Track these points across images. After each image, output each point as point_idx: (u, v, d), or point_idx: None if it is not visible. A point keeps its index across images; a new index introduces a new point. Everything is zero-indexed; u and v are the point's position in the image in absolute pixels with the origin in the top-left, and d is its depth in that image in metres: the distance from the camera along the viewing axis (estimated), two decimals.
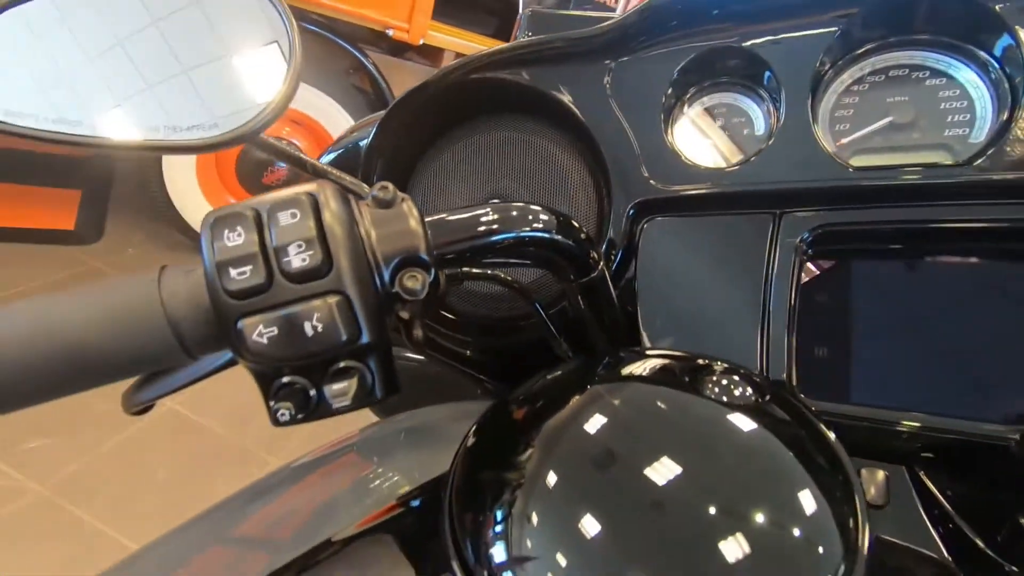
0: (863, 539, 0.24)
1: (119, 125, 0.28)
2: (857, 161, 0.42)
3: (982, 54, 0.40)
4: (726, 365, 0.30)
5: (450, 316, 0.49)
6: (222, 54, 0.30)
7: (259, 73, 0.30)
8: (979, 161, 0.38)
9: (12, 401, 0.27)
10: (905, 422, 0.37)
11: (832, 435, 0.29)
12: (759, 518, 0.23)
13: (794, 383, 0.40)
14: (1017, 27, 0.38)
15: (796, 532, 0.23)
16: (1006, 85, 0.39)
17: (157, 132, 0.27)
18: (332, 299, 0.25)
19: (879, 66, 0.44)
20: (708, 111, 0.47)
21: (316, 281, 0.25)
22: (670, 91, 0.46)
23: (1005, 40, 0.39)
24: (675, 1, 0.44)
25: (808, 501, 0.24)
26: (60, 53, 0.30)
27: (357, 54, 2.32)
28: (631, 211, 0.45)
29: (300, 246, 0.25)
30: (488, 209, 0.32)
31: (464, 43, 2.43)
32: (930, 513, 0.36)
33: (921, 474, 0.38)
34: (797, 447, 0.26)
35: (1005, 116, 0.39)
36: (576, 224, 0.34)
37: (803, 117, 0.42)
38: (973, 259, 0.40)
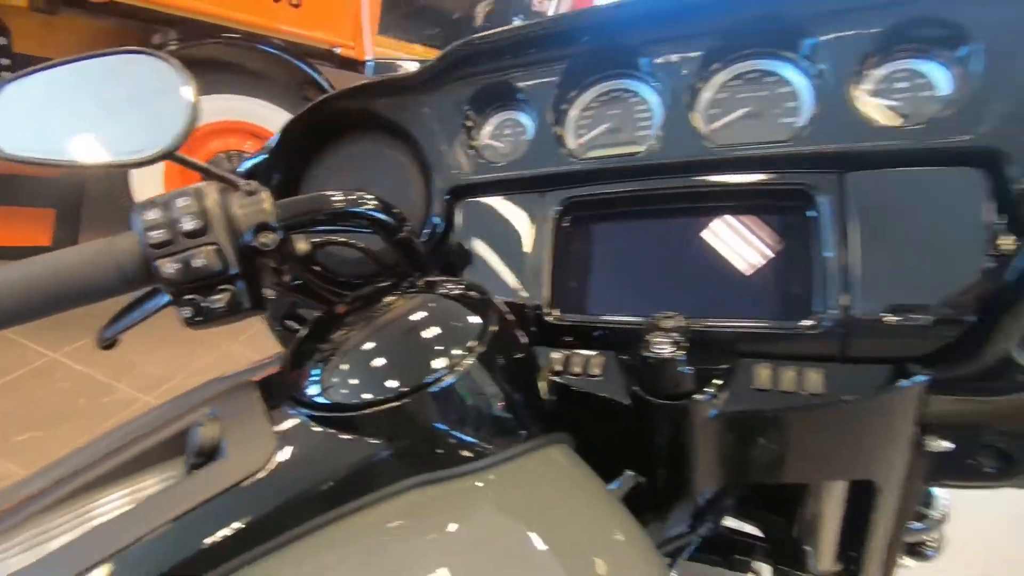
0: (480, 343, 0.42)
1: (90, 152, 0.47)
2: (590, 153, 0.61)
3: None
4: (466, 284, 0.48)
5: (327, 274, 0.68)
6: (152, 100, 0.50)
7: (173, 111, 0.49)
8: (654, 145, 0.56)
9: (10, 318, 0.43)
10: (613, 322, 0.54)
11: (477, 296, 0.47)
12: (424, 334, 0.43)
13: (551, 302, 0.57)
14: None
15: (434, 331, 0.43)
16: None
17: (114, 155, 0.47)
18: (210, 247, 0.44)
19: (604, 90, 0.62)
20: (499, 124, 0.67)
21: (200, 237, 0.44)
22: (469, 111, 0.66)
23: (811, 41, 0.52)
24: (461, 52, 0.64)
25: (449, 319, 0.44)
26: (53, 108, 0.50)
27: (309, 71, 2.51)
28: (447, 196, 0.65)
29: (189, 217, 0.44)
30: (322, 194, 0.52)
31: (411, 57, 2.64)
32: (626, 378, 0.52)
33: (622, 357, 0.54)
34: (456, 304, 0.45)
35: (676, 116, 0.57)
36: (385, 202, 0.54)
37: (551, 127, 0.62)
38: (664, 218, 0.56)
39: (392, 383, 0.40)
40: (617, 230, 0.58)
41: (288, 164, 0.72)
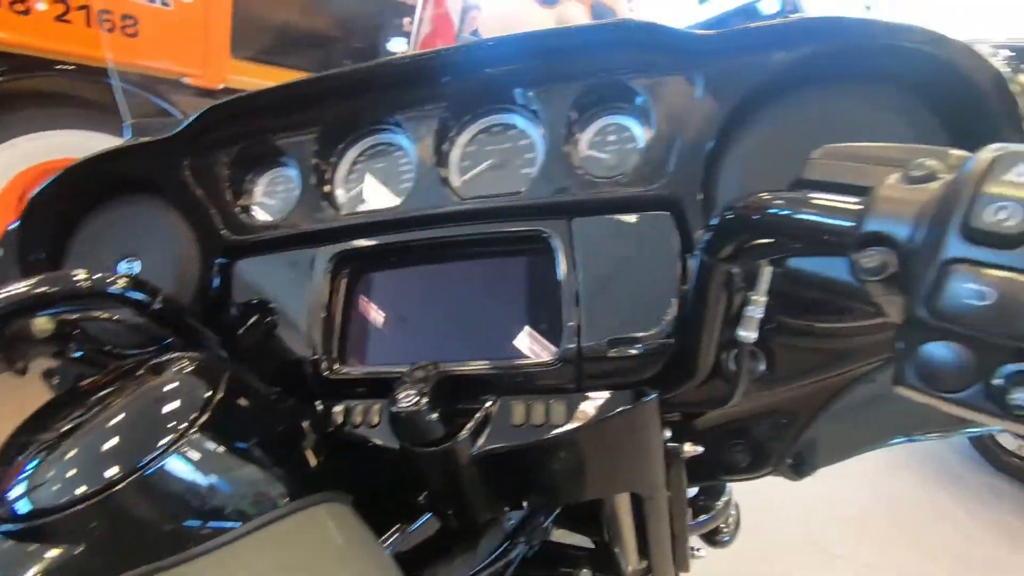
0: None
1: None
2: (357, 208, 0.62)
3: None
4: (197, 356, 0.46)
5: (96, 344, 0.63)
6: None
7: None
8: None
9: None
10: (385, 372, 0.54)
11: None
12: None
13: (334, 356, 0.58)
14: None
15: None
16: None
17: None
18: None
19: (366, 145, 0.64)
20: (268, 182, 0.67)
21: None
22: (234, 170, 0.65)
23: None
24: (218, 112, 0.63)
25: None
26: None
27: (159, 101, 2.35)
28: (220, 259, 0.63)
29: None
30: (57, 275, 0.48)
31: (269, 83, 2.51)
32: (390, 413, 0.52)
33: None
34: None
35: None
36: (135, 279, 0.52)
37: (317, 184, 0.62)
38: (427, 268, 0.58)
39: (103, 473, 0.37)
40: (386, 281, 0.60)
41: (46, 235, 0.67)
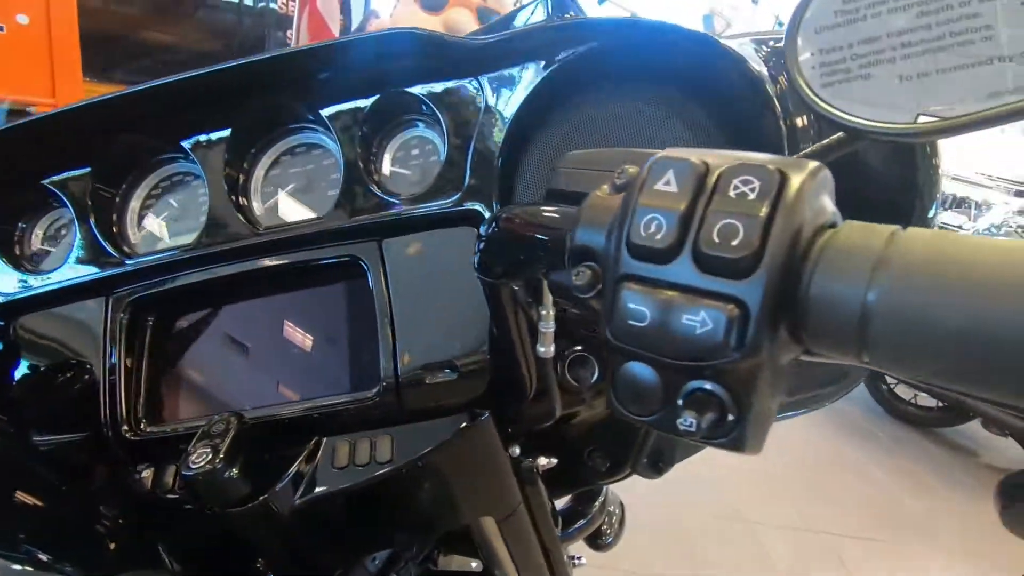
0: None
1: None
2: (148, 249, 0.55)
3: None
4: None
5: None
6: None
7: None
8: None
9: None
10: (196, 427, 0.48)
11: None
12: None
13: (139, 415, 0.52)
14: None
15: None
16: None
17: None
18: None
19: (160, 178, 0.58)
20: (45, 228, 0.59)
21: None
22: (2, 220, 0.58)
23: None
24: None
25: None
26: None
27: None
28: None
29: None
30: None
31: None
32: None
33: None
34: None
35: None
36: None
37: (100, 230, 0.55)
38: (234, 307, 0.53)
39: None
40: (188, 326, 0.54)
41: None
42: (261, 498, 0.45)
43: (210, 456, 0.43)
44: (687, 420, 0.22)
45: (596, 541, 0.84)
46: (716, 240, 0.22)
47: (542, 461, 0.59)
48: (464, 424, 0.47)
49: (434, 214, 0.50)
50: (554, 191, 0.33)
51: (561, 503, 0.80)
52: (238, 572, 0.53)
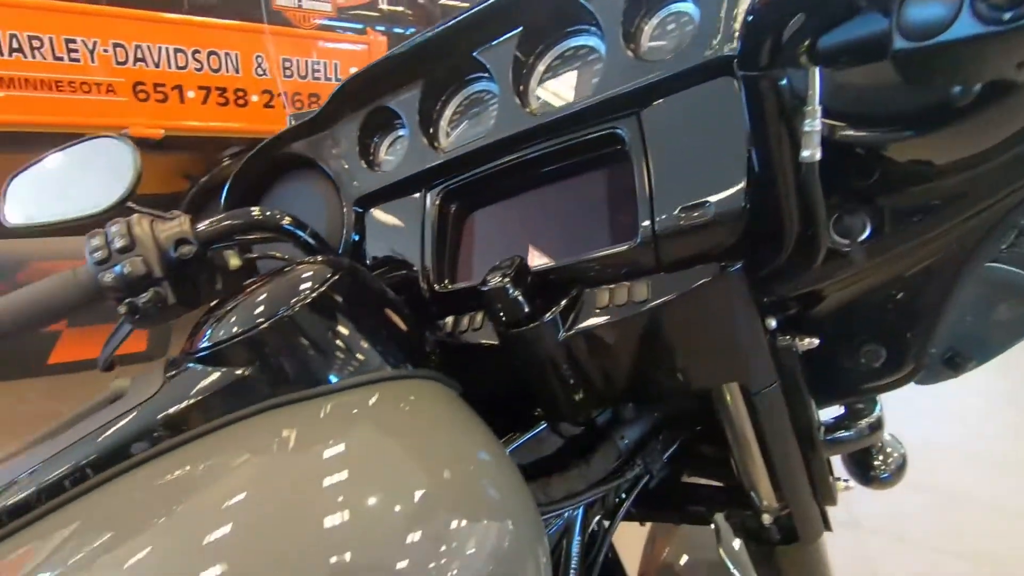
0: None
1: (74, 210, 0.63)
2: (455, 148, 0.67)
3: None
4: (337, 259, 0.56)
5: None
6: (111, 168, 0.65)
7: (124, 174, 0.65)
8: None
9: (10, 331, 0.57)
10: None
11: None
12: None
13: (443, 275, 0.65)
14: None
15: None
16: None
17: (90, 209, 0.62)
18: (136, 259, 0.57)
19: (463, 96, 0.75)
20: (391, 141, 0.81)
21: (128, 253, 0.55)
22: (363, 135, 0.80)
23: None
24: (346, 87, 0.78)
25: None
26: (46, 186, 0.65)
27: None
28: (355, 209, 0.78)
29: (119, 239, 0.57)
30: (239, 211, 0.65)
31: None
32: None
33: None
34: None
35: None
36: (298, 220, 0.67)
37: (423, 134, 0.76)
38: (518, 186, 0.63)
39: (251, 319, 0.49)
40: (481, 206, 0.68)
41: (239, 204, 0.84)
42: (534, 324, 0.52)
43: (500, 278, 0.52)
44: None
45: (867, 473, 0.74)
46: None
47: (803, 342, 0.55)
48: (718, 272, 0.48)
49: (689, 73, 0.52)
50: None
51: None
52: (510, 412, 0.61)
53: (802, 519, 0.65)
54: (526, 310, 0.52)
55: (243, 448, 0.43)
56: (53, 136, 2.46)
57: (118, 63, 2.65)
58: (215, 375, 0.49)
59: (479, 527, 0.43)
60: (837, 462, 0.74)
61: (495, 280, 0.52)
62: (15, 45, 2.43)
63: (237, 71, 2.92)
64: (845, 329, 0.57)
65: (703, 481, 0.75)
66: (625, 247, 0.52)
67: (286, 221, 0.67)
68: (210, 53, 2.86)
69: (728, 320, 0.51)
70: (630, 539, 0.95)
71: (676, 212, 0.50)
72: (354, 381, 0.49)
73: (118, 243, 0.57)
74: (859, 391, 0.60)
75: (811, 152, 0.41)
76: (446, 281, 0.66)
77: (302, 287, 0.51)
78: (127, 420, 0.47)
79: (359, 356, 0.52)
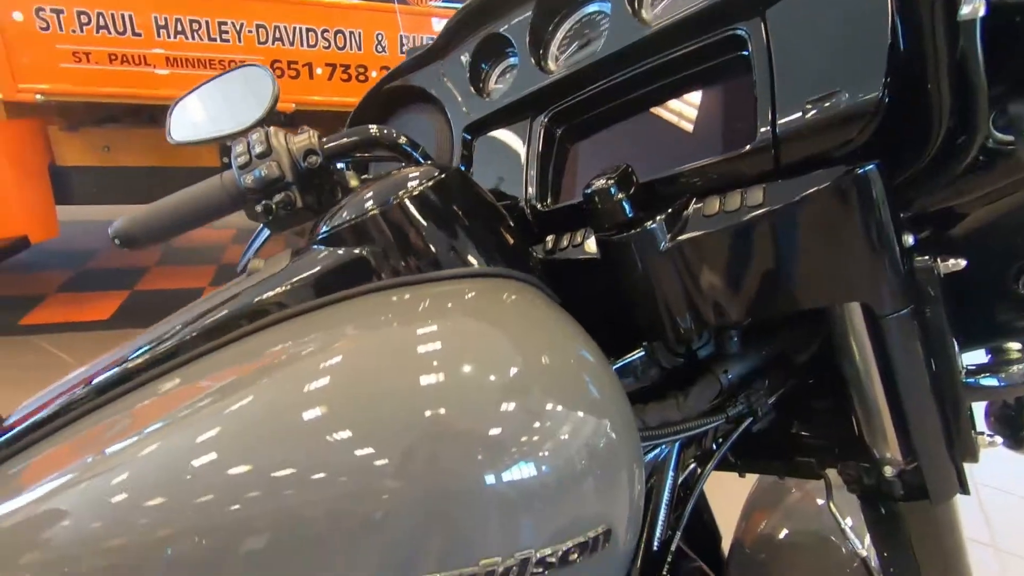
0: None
1: (224, 127, 0.72)
2: (564, 69, 0.68)
3: None
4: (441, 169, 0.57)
5: None
6: (253, 92, 0.74)
7: (264, 95, 0.73)
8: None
9: (161, 234, 0.67)
10: None
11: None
12: None
13: (547, 194, 0.70)
14: None
15: None
16: None
17: (235, 127, 0.71)
18: (272, 163, 0.63)
19: (575, 19, 0.75)
20: (501, 70, 0.83)
21: (266, 158, 0.63)
22: (474, 63, 0.82)
23: None
24: (457, 18, 0.82)
25: None
26: (201, 109, 0.75)
27: None
28: (465, 136, 0.81)
29: (259, 145, 0.63)
30: (359, 128, 0.69)
31: None
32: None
33: None
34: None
35: None
36: (413, 140, 0.71)
37: (534, 59, 0.75)
38: (628, 100, 0.62)
39: (364, 207, 0.53)
40: (591, 127, 0.68)
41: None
42: (637, 229, 0.50)
43: (604, 181, 0.51)
44: None
45: (1018, 433, 0.62)
46: None
47: (945, 263, 0.48)
48: (845, 173, 0.42)
49: None
50: None
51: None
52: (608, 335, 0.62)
53: (933, 475, 0.56)
54: (629, 214, 0.51)
55: (351, 320, 0.46)
56: None
57: (259, 43, 2.95)
58: (331, 255, 0.53)
59: (576, 416, 0.42)
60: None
61: (599, 182, 0.51)
62: (179, 28, 2.78)
63: (360, 48, 3.12)
64: (999, 251, 0.50)
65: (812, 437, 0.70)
66: (740, 152, 0.48)
67: (401, 140, 0.70)
68: (336, 32, 3.09)
69: (856, 228, 0.44)
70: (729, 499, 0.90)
71: (801, 107, 0.44)
72: (460, 272, 0.51)
73: (257, 149, 0.64)
74: (1013, 329, 0.53)
75: (972, 7, 0.35)
76: (548, 200, 0.67)
77: (411, 183, 0.55)
78: (256, 290, 0.53)
79: (464, 252, 0.54)
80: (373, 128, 0.70)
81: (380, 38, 3.18)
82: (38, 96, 2.65)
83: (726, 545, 0.92)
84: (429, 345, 0.42)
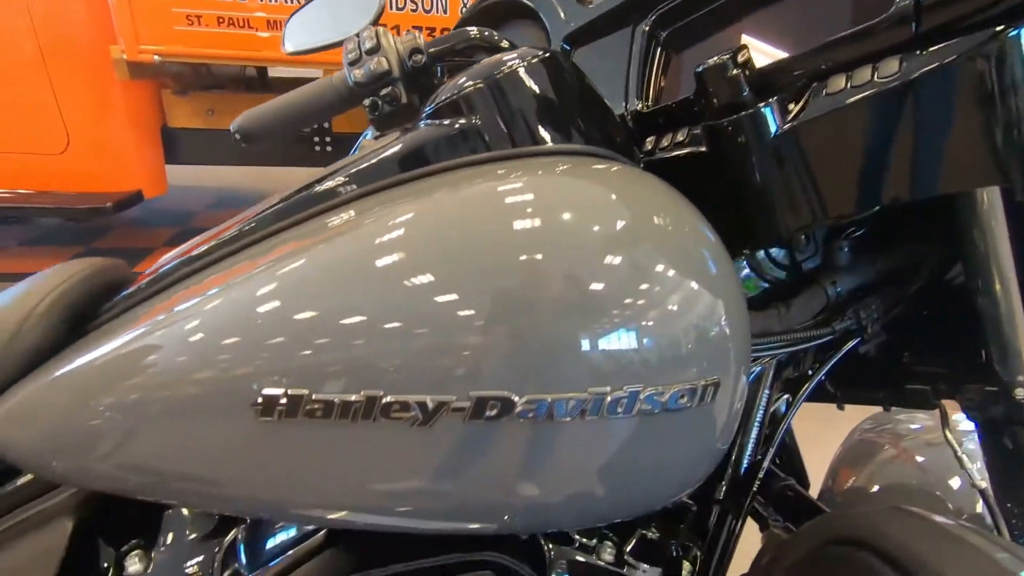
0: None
1: (338, 34, 0.76)
2: None
3: None
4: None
5: None
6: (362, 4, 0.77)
7: (371, 8, 0.76)
8: None
9: (277, 130, 0.72)
10: None
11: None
12: None
13: (644, 97, 0.68)
14: None
15: None
16: None
17: (348, 32, 0.74)
18: (381, 59, 0.65)
19: None
20: None
21: (375, 54, 0.66)
22: None
23: None
24: None
25: None
26: (315, 21, 0.80)
27: None
28: (564, 44, 0.80)
29: (369, 42, 0.66)
30: (461, 30, 0.71)
31: None
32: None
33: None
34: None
35: None
36: (513, 44, 0.72)
37: None
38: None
39: (466, 82, 0.54)
40: (697, 28, 0.65)
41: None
42: (750, 110, 0.47)
43: (720, 58, 0.48)
44: None
45: None
46: None
47: None
48: (996, 35, 0.38)
49: None
50: None
51: None
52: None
53: None
54: (745, 92, 0.47)
55: (447, 184, 0.47)
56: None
57: None
58: (435, 129, 0.54)
59: (687, 285, 0.41)
60: None
61: (713, 59, 0.48)
62: None
63: (445, 12, 3.15)
64: None
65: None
66: (874, 22, 0.43)
67: (504, 43, 0.71)
68: None
69: (1004, 98, 0.39)
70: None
71: None
72: (564, 147, 0.50)
73: (367, 44, 0.66)
74: None
75: None
76: (649, 102, 0.65)
77: (516, 59, 0.55)
78: (363, 162, 0.55)
79: (567, 131, 0.53)
80: (474, 30, 0.71)
81: (467, 2, 3.20)
82: (156, 57, 2.87)
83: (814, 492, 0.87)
84: (529, 202, 0.43)
